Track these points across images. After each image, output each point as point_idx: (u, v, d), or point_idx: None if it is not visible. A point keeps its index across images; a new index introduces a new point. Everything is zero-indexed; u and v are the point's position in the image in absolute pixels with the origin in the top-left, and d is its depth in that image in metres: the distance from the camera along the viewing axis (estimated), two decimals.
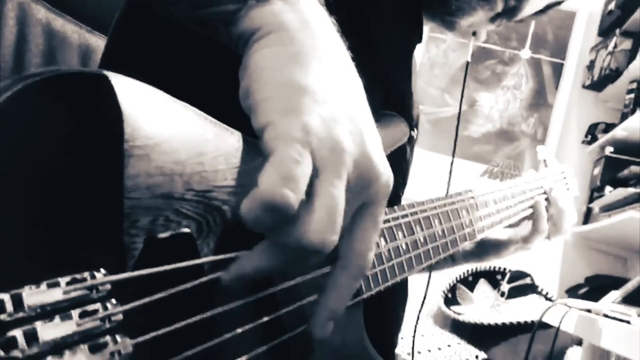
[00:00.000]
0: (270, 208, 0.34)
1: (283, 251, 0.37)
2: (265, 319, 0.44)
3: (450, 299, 2.52)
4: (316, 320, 0.41)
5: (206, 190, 0.41)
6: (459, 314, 2.39)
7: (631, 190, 2.17)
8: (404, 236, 0.66)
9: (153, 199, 0.37)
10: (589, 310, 1.15)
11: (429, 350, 2.22)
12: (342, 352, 0.54)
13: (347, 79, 0.43)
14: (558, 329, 1.15)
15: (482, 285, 2.52)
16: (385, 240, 0.62)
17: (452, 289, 2.55)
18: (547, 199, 1.04)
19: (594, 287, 2.46)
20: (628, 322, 0.97)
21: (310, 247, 0.36)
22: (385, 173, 0.42)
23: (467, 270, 2.56)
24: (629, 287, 1.33)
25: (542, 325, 1.29)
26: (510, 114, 3.01)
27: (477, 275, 2.55)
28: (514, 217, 0.98)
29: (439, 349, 2.23)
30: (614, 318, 1.01)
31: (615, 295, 1.30)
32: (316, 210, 0.36)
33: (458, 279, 2.55)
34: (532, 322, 2.11)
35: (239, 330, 0.40)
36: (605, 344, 0.94)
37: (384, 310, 0.78)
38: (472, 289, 2.54)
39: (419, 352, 2.22)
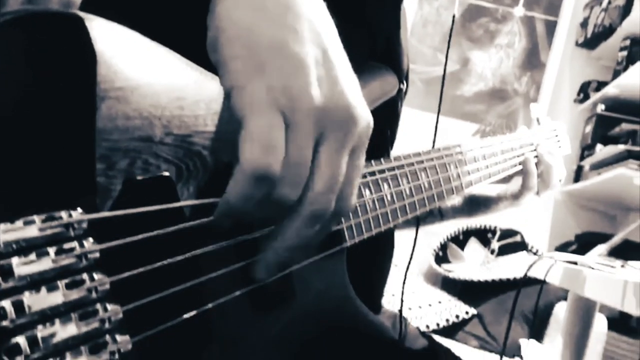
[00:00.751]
0: (259, 180, 0.36)
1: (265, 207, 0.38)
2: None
3: (441, 257, 2.55)
4: (264, 262, 0.42)
5: (186, 135, 0.41)
6: (449, 271, 2.43)
7: (621, 147, 2.18)
8: (389, 187, 0.66)
9: (131, 142, 0.37)
10: (575, 264, 1.17)
11: (420, 307, 2.26)
12: (324, 298, 0.55)
13: (318, 23, 0.42)
14: (543, 281, 1.17)
15: (473, 243, 2.56)
16: (370, 191, 0.63)
17: (443, 247, 2.58)
18: (537, 156, 1.05)
19: (583, 244, 2.49)
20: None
21: (280, 201, 0.38)
22: (364, 116, 0.42)
23: (458, 229, 2.58)
24: (615, 240, 1.35)
25: (532, 282, 1.31)
26: (503, 72, 3.00)
27: (468, 234, 2.58)
28: (503, 172, 0.98)
29: (430, 305, 2.27)
30: (598, 270, 1.02)
31: (601, 249, 1.32)
32: (283, 171, 0.37)
33: (449, 237, 2.58)
34: (520, 278, 2.15)
35: (217, 273, 0.41)
36: (589, 293, 0.96)
37: (370, 261, 0.79)
38: (462, 247, 2.58)
39: (410, 309, 2.26)
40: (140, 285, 0.36)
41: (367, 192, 0.62)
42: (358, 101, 0.42)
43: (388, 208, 0.65)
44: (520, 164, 1.01)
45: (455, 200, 1.12)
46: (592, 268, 1.05)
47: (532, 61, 3.00)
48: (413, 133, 1.27)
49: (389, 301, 2.26)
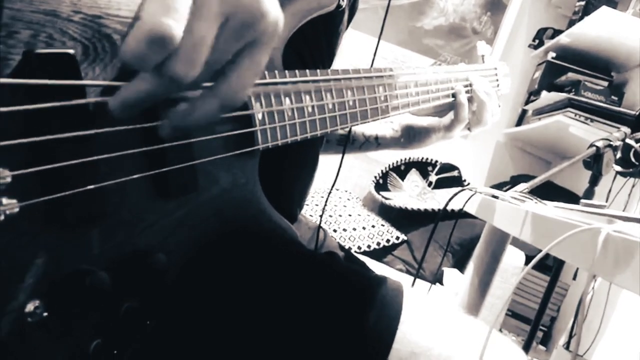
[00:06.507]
0: (155, 40, 0.35)
1: (158, 78, 0.38)
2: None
3: (381, 185, 2.63)
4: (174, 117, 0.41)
5: (97, 15, 0.42)
6: (387, 199, 2.51)
7: (562, 95, 2.24)
8: (312, 100, 0.68)
9: (36, 14, 0.37)
10: (496, 198, 1.23)
11: (354, 229, 2.35)
12: (229, 195, 0.57)
13: None
14: (461, 209, 1.24)
15: (413, 174, 2.63)
16: (291, 100, 0.64)
17: (384, 176, 2.65)
18: (472, 91, 1.08)
19: (516, 186, 2.60)
20: None
21: (173, 77, 0.38)
22: (272, 12, 0.42)
23: (401, 159, 2.65)
24: (536, 180, 1.42)
25: (463, 215, 1.38)
26: (465, 9, 2.99)
27: (409, 165, 2.65)
28: (434, 102, 1.01)
29: (364, 228, 2.36)
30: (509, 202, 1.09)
31: (523, 187, 1.39)
32: (181, 44, 0.37)
33: (390, 166, 2.65)
34: (452, 210, 2.24)
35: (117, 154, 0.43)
36: (497, 222, 1.03)
37: (291, 173, 0.82)
38: (403, 177, 2.65)
39: (345, 230, 2.34)
40: (35, 157, 0.37)
41: (287, 100, 0.64)
42: None
43: (307, 119, 0.67)
44: (452, 96, 1.04)
45: (392, 130, 1.15)
46: (506, 201, 1.11)
47: (494, 1, 3.00)
48: (366, 60, 1.28)
49: (327, 221, 2.32)
